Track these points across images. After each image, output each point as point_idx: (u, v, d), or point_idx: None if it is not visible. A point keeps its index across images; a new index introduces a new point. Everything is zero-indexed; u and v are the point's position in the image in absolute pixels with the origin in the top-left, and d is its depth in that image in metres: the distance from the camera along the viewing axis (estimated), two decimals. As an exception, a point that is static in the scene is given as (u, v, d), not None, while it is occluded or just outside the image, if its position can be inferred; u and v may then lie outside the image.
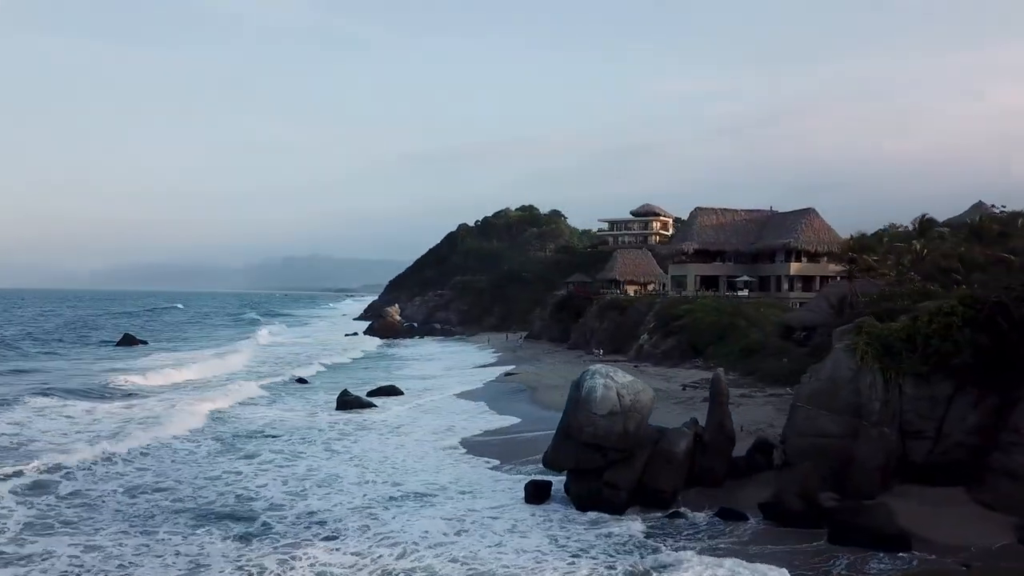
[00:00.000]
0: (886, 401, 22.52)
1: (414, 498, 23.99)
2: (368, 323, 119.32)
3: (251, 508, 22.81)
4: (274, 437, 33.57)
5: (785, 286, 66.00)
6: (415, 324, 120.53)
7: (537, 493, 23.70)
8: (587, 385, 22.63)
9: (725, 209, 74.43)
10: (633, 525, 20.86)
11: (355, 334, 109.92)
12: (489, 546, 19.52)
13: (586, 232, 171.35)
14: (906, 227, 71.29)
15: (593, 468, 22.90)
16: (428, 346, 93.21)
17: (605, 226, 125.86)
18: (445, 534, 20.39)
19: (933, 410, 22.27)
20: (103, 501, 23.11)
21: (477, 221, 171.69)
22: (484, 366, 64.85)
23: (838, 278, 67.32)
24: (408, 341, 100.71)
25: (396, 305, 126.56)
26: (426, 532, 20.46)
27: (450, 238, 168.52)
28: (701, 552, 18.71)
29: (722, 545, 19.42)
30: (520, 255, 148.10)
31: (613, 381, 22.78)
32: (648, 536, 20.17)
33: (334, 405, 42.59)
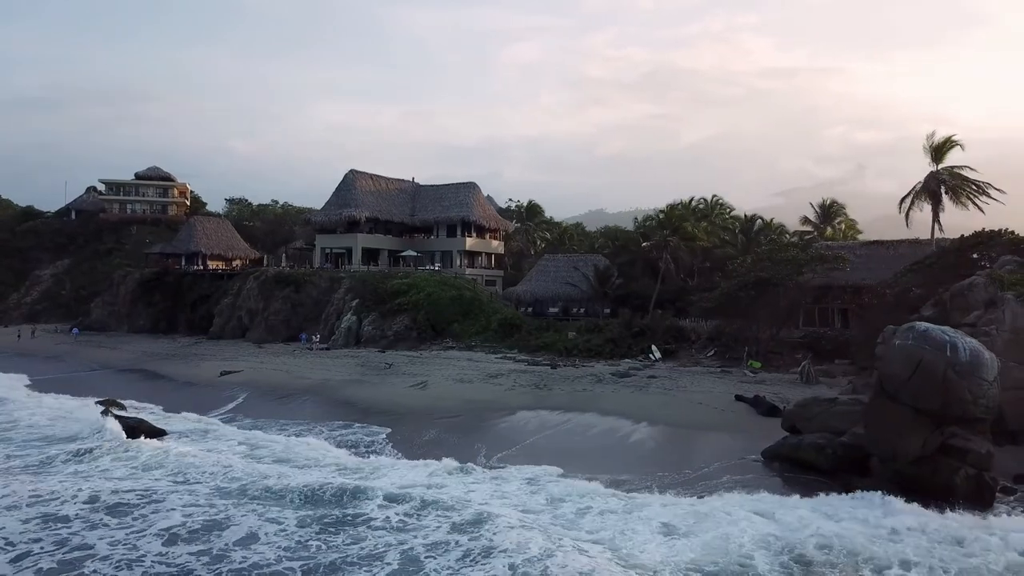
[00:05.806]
0: (1060, 346, 23.69)
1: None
2: None
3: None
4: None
5: (457, 261, 62.69)
6: None
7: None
8: (967, 347, 17.95)
9: (377, 175, 66.56)
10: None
11: None
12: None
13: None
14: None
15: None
16: None
17: (103, 188, 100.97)
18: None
19: (1080, 350, 24.27)
20: None
21: None
22: (129, 371, 45.26)
23: (494, 256, 68.19)
24: None
25: None
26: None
27: None
28: None
29: None
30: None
31: (973, 339, 18.55)
32: None
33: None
